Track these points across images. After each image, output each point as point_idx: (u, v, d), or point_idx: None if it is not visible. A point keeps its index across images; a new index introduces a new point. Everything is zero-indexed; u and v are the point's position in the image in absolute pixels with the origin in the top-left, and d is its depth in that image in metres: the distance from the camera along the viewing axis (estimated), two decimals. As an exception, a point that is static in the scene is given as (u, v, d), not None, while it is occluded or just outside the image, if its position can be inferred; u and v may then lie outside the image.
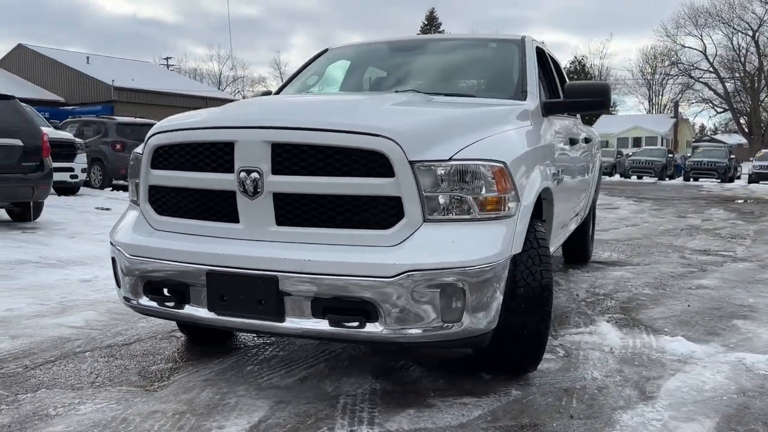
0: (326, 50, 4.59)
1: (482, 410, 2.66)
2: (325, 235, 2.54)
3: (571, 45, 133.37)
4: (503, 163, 2.60)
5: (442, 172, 2.49)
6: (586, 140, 5.16)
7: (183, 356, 3.31)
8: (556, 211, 3.58)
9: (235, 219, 2.64)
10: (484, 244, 2.51)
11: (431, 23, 64.35)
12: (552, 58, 4.85)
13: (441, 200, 2.51)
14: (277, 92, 4.25)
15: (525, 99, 3.53)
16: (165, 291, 2.77)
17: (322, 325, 2.50)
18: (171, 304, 2.75)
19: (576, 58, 70.22)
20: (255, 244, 2.59)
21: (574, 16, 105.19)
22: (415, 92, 3.56)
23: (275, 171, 2.53)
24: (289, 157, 2.52)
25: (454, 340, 2.54)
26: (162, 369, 3.11)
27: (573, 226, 4.87)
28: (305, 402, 2.72)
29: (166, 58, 61.27)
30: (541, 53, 4.44)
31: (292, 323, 2.54)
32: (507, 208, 2.61)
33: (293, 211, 2.56)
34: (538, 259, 2.87)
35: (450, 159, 2.51)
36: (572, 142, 4.25)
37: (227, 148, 2.61)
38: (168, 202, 2.84)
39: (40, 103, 31.30)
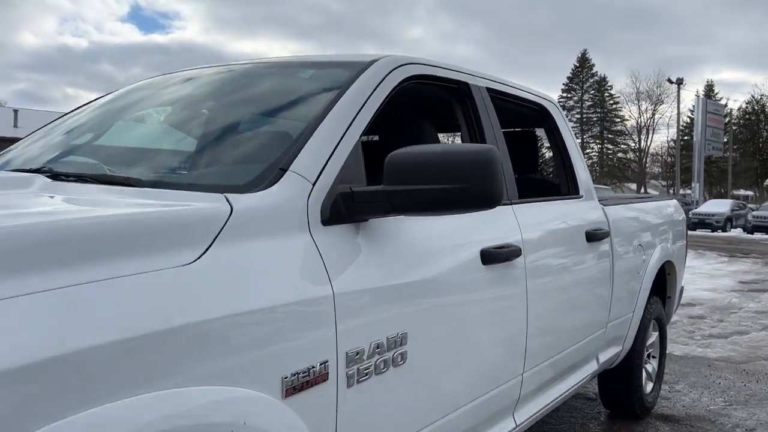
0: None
1: None
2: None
3: (750, 84, 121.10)
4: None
5: None
6: (592, 237, 2.96)
7: None
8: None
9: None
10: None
11: (582, 65, 60.84)
12: (520, 102, 2.83)
13: None
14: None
15: (273, 184, 1.56)
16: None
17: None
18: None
19: (754, 98, 62.47)
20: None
21: (754, 52, 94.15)
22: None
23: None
24: None
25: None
26: None
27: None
28: None
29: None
30: (466, 91, 2.43)
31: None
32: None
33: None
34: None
35: None
36: (487, 259, 2.14)
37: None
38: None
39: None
